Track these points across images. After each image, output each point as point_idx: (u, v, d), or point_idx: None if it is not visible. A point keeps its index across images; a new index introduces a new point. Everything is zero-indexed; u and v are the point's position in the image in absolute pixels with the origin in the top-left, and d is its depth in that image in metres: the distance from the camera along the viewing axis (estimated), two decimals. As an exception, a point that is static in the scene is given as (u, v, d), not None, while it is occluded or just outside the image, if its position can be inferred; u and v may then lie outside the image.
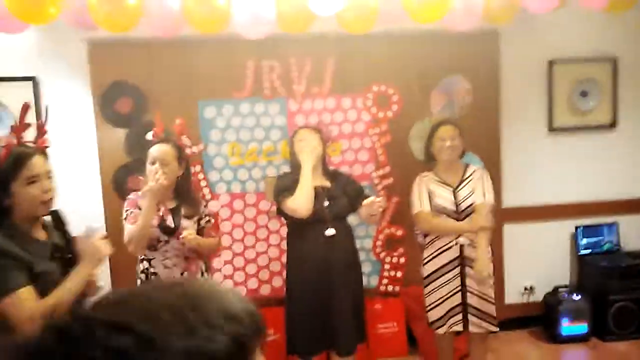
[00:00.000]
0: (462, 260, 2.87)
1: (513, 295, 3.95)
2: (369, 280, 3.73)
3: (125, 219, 2.49)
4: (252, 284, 3.62)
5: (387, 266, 3.75)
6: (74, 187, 3.45)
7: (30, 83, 3.32)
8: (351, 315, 2.78)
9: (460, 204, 2.85)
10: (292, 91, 3.56)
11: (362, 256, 3.65)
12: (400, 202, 3.59)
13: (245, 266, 3.62)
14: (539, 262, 3.95)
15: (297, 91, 3.56)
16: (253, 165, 3.57)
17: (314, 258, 2.73)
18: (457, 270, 2.87)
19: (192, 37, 3.12)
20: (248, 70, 3.49)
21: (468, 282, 2.87)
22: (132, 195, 2.57)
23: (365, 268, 3.72)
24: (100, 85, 3.38)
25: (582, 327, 3.70)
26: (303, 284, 2.78)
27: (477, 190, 2.87)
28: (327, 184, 2.85)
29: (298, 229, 2.83)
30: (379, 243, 3.73)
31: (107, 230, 3.44)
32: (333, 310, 2.73)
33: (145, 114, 3.42)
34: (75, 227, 3.48)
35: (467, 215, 2.85)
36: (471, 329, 2.90)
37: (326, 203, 2.74)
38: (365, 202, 2.70)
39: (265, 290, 3.64)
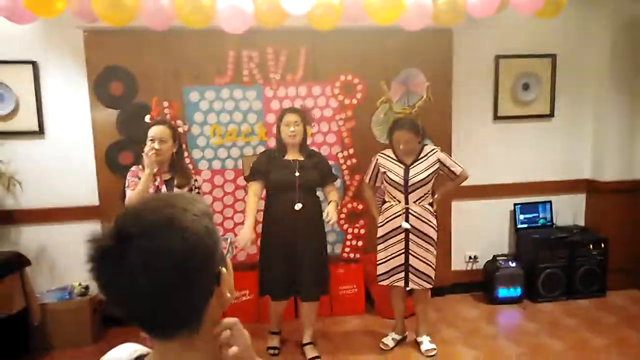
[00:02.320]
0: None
1: (459, 264, 4.48)
2: (334, 248, 4.22)
3: (127, 186, 2.92)
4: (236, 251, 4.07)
5: (349, 236, 4.23)
6: (71, 162, 3.84)
7: (30, 66, 3.67)
8: (314, 271, 3.30)
9: (409, 180, 3.32)
10: (269, 79, 3.96)
11: (327, 228, 4.16)
12: (361, 180, 4.02)
13: (224, 234, 4.06)
14: (482, 234, 4.47)
15: (273, 79, 3.97)
16: (232, 145, 3.98)
17: (283, 221, 3.24)
18: (402, 235, 3.36)
19: (180, 28, 3.49)
20: (229, 59, 3.89)
21: (411, 246, 3.36)
22: (133, 167, 2.99)
23: (330, 238, 4.20)
24: (95, 70, 3.73)
25: (516, 291, 4.25)
26: (273, 242, 3.29)
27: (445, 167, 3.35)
28: (301, 158, 3.31)
29: (273, 195, 3.32)
30: (342, 216, 4.20)
31: (100, 201, 3.84)
32: (298, 264, 3.26)
33: (135, 97, 3.79)
34: (72, 198, 3.91)
35: (415, 190, 3.32)
36: (410, 285, 3.40)
37: (297, 174, 3.22)
38: (324, 215, 3.24)
39: (241, 256, 4.08)
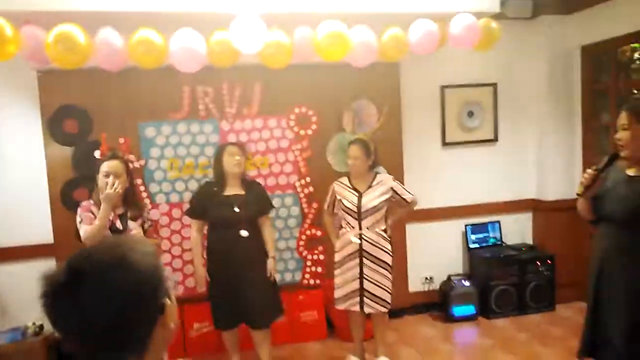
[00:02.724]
0: (362, 253, 3.46)
1: (415, 285, 4.63)
2: (294, 275, 4.30)
3: (81, 222, 2.91)
4: (189, 282, 4.07)
5: (308, 262, 4.32)
6: (24, 200, 3.81)
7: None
8: (262, 298, 3.39)
9: (362, 206, 3.45)
10: (224, 113, 4.07)
11: (287, 255, 4.28)
12: (319, 207, 4.15)
13: (182, 267, 4.08)
14: (436, 255, 4.64)
15: (229, 113, 4.08)
16: (189, 178, 4.04)
17: (225, 252, 3.34)
18: (357, 260, 3.47)
19: (134, 67, 3.56)
20: (184, 95, 3.98)
21: (366, 271, 3.47)
22: (84, 202, 3.00)
23: (290, 265, 4.30)
24: (49, 109, 3.75)
25: (470, 308, 4.43)
26: (218, 274, 3.37)
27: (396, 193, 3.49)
28: (242, 192, 3.42)
29: (212, 230, 3.44)
30: (301, 243, 4.30)
31: (55, 239, 3.82)
32: (246, 293, 3.34)
33: (91, 134, 3.82)
34: (25, 236, 3.87)
35: (368, 216, 3.44)
36: (366, 309, 3.51)
37: (236, 209, 3.32)
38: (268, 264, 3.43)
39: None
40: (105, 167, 2.95)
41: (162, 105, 3.94)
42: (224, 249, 3.34)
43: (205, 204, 3.38)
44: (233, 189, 3.41)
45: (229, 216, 3.33)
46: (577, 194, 2.50)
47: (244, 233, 3.32)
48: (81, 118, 3.80)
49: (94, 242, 2.91)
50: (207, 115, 4.03)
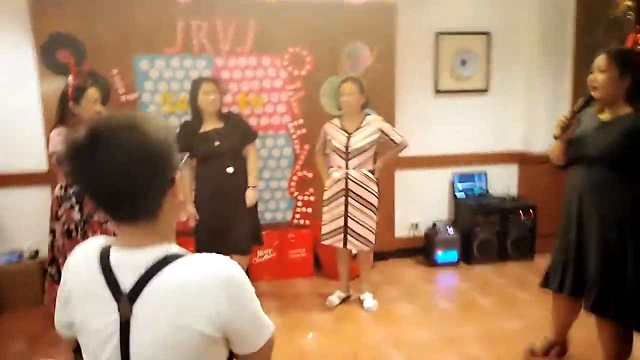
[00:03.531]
0: (347, 192, 3.54)
1: (402, 230, 4.74)
2: (285, 215, 4.39)
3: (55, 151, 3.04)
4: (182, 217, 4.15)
5: (299, 203, 4.41)
6: (18, 129, 3.82)
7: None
8: (243, 226, 3.47)
9: (349, 147, 3.51)
10: (218, 49, 4.05)
11: (278, 195, 4.34)
12: (311, 149, 4.19)
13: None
14: (423, 202, 4.75)
15: (222, 49, 4.06)
16: (183, 113, 4.04)
17: (210, 188, 3.40)
18: (343, 199, 3.56)
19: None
20: (178, 29, 3.95)
21: (350, 209, 3.56)
22: (57, 130, 3.12)
23: (281, 204, 4.38)
24: (41, 37, 3.70)
25: (453, 254, 4.57)
26: (203, 209, 3.43)
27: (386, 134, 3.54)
28: (220, 125, 3.44)
29: (198, 166, 3.46)
30: (293, 184, 4.37)
31: (49, 167, 3.85)
32: (227, 227, 3.42)
33: (85, 64, 3.80)
34: (20, 164, 3.90)
35: (355, 156, 3.50)
36: (348, 246, 3.62)
37: (216, 143, 3.36)
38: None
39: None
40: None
41: (156, 39, 3.91)
42: (209, 185, 3.40)
43: (187, 142, 3.34)
44: (211, 124, 3.43)
45: (209, 151, 3.36)
46: (554, 136, 2.57)
47: (229, 170, 3.36)
48: (74, 48, 3.77)
49: None
50: (201, 50, 4.02)
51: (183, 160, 1.12)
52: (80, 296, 1.04)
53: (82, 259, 1.06)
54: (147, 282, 0.97)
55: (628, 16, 4.31)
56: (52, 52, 3.74)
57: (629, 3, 4.31)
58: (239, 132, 3.48)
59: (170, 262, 0.99)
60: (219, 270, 1.00)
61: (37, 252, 3.75)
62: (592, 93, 2.46)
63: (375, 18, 4.25)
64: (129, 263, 0.99)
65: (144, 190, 0.97)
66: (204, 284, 0.97)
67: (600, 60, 2.43)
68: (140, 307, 0.97)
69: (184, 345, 0.96)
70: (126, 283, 0.98)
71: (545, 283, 2.86)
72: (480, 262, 4.58)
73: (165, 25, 3.91)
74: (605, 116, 2.49)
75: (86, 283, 1.03)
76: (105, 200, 0.98)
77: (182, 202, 1.07)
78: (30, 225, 3.76)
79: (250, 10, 4.01)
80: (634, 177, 2.39)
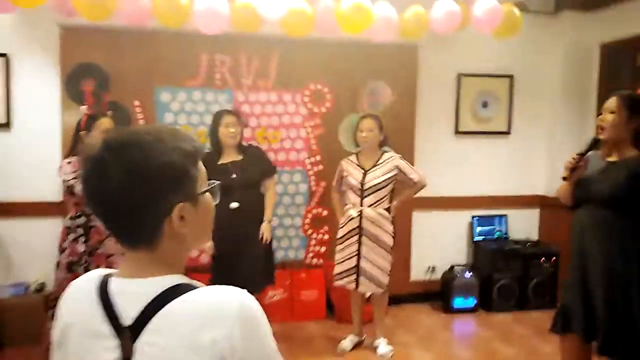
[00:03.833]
0: (361, 231, 3.44)
1: (418, 274, 4.61)
2: (297, 253, 4.29)
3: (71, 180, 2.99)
4: (193, 252, 4.07)
5: (313, 242, 4.31)
6: (36, 156, 3.81)
7: (1, 59, 3.65)
8: (257, 262, 3.33)
9: (365, 184, 3.44)
10: (240, 83, 4.07)
11: (291, 233, 4.26)
12: (327, 186, 4.15)
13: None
14: (441, 245, 4.63)
15: (244, 84, 4.07)
16: (202, 147, 4.03)
17: (220, 225, 3.25)
18: (356, 238, 3.46)
19: (155, 29, 3.56)
20: (202, 62, 3.98)
21: (363, 249, 3.45)
22: (69, 160, 3.06)
23: (294, 243, 4.29)
24: (68, 66, 3.74)
25: (471, 300, 4.41)
26: (216, 245, 3.27)
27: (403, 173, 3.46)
28: (239, 158, 3.37)
29: None
30: (307, 221, 4.29)
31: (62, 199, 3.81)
32: (241, 259, 3.29)
33: (107, 94, 3.81)
34: (35, 193, 3.85)
35: (370, 194, 3.43)
36: (360, 288, 3.49)
37: (233, 176, 3.27)
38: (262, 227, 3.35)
39: (204, 259, 4.09)
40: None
41: (179, 72, 3.94)
42: (221, 221, 3.27)
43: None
44: (229, 156, 3.36)
45: (224, 184, 3.26)
46: (563, 178, 2.54)
47: (233, 205, 3.24)
48: (99, 77, 3.79)
49: None
50: (223, 84, 4.03)
51: (211, 189, 1.05)
52: (76, 334, 0.94)
53: (79, 291, 0.97)
54: (152, 313, 0.88)
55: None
56: (78, 82, 3.76)
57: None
58: (258, 166, 3.42)
59: (180, 293, 0.90)
60: (232, 299, 0.91)
61: (43, 285, 3.67)
62: (600, 134, 2.45)
63: (397, 58, 4.26)
64: (132, 292, 0.91)
65: (141, 211, 0.90)
66: (217, 314, 0.88)
67: (611, 102, 2.45)
68: (143, 343, 0.87)
69: None
70: (128, 315, 0.89)
71: (556, 326, 2.72)
72: (500, 309, 4.41)
73: (189, 59, 3.95)
74: (612, 158, 2.48)
75: (82, 316, 0.93)
76: (110, 217, 0.93)
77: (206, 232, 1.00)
78: (40, 257, 3.68)
79: (274, 46, 4.05)
80: (638, 220, 2.35)
